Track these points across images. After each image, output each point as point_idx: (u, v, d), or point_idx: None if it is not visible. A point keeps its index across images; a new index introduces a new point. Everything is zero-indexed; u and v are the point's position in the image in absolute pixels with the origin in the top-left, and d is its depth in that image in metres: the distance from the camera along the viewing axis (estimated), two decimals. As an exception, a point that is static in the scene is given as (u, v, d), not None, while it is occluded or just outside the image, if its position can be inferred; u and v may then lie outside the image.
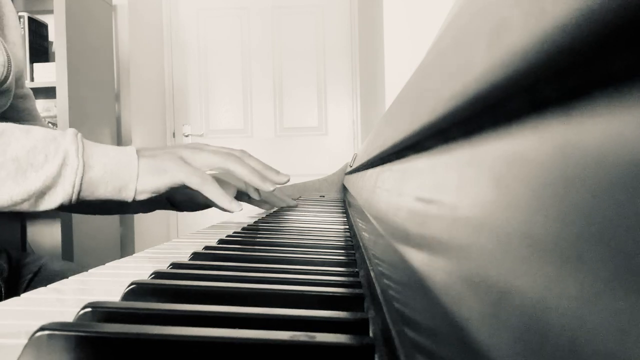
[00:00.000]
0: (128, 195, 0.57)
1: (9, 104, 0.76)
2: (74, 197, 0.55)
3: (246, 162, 0.64)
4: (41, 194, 0.54)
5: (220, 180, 0.66)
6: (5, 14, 0.80)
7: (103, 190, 0.56)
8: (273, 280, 0.29)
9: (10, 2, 0.82)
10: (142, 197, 0.58)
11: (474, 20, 0.13)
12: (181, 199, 0.77)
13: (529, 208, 0.08)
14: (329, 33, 2.83)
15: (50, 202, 0.54)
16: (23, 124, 0.84)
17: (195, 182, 0.57)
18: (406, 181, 0.22)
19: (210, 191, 0.58)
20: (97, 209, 0.81)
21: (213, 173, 0.68)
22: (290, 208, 0.88)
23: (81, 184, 0.54)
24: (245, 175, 0.63)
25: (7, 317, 0.26)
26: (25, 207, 0.54)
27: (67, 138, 0.55)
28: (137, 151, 0.58)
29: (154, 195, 0.59)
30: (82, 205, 0.60)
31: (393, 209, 0.23)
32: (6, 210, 0.53)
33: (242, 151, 0.65)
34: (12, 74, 0.71)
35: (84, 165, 0.54)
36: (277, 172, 0.68)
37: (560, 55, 0.07)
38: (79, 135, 0.56)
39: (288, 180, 0.70)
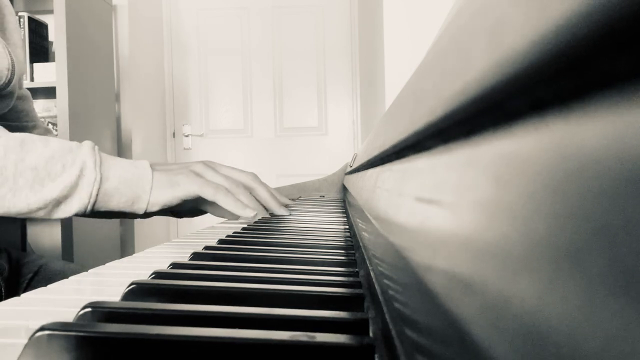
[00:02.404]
0: (140, 208, 0.58)
1: (11, 105, 0.76)
2: (89, 208, 0.57)
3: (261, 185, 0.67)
4: (57, 202, 0.55)
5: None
6: (6, 15, 0.80)
7: (117, 201, 0.58)
8: (273, 280, 0.29)
9: (10, 5, 0.82)
10: (154, 209, 0.59)
11: (473, 20, 0.13)
12: (183, 208, 0.79)
13: (529, 208, 0.08)
14: (329, 33, 2.83)
15: (65, 211, 0.56)
16: (22, 124, 0.84)
17: (209, 193, 0.58)
18: (406, 181, 0.22)
19: (224, 200, 0.59)
20: (106, 215, 0.84)
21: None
22: (290, 208, 0.88)
23: (97, 194, 0.56)
24: (265, 198, 0.66)
25: (7, 317, 0.26)
26: (40, 214, 0.55)
27: (84, 149, 0.57)
28: (151, 165, 0.60)
29: (165, 207, 0.60)
30: (95, 214, 0.62)
31: (393, 209, 0.23)
32: (23, 217, 0.55)
33: (254, 174, 0.68)
34: (15, 76, 0.72)
35: (101, 177, 0.56)
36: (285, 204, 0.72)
37: (560, 55, 0.07)
38: (96, 147, 0.58)
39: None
